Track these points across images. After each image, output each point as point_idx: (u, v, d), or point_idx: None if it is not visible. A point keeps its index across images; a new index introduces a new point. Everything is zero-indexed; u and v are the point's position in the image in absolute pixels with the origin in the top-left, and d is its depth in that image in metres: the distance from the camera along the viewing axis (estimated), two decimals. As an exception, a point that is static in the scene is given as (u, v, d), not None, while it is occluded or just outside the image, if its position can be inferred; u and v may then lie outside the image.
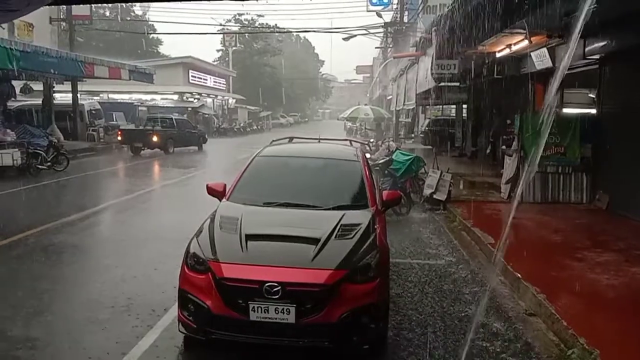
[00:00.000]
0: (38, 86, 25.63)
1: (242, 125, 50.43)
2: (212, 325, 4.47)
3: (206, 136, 30.00)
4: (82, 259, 8.09)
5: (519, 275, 6.62)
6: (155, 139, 24.22)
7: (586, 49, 10.61)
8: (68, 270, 7.45)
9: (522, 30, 10.98)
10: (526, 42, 11.41)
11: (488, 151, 18.21)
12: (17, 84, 23.95)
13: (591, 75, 11.97)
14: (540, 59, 12.15)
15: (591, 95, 14.08)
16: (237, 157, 21.24)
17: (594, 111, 12.77)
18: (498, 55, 13.46)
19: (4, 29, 21.37)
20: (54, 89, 25.51)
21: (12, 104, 24.36)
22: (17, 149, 16.05)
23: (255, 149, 6.78)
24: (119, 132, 25.44)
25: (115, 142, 25.93)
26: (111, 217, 11.51)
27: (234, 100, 58.15)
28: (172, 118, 26.91)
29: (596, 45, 10.41)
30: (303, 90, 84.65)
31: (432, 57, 14.60)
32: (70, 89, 26.37)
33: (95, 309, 5.75)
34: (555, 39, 11.05)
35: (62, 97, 28.39)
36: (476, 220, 9.89)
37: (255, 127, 52.82)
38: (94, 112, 29.06)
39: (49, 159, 17.01)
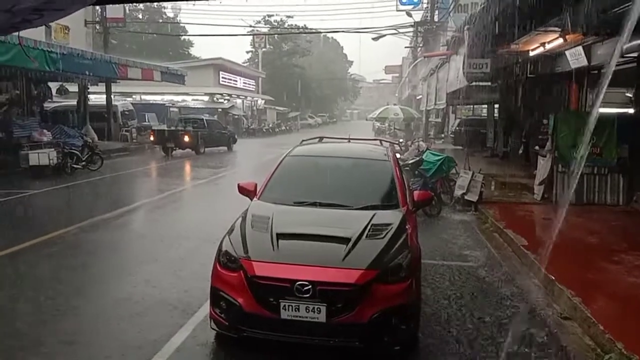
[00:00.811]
0: (73, 87, 26.21)
1: (270, 125, 50.75)
2: (244, 322, 4.50)
3: (236, 136, 30.22)
4: (116, 256, 8.25)
5: (554, 277, 6.47)
6: (186, 139, 24.46)
7: (624, 47, 10.31)
8: (102, 267, 7.61)
9: (556, 29, 10.76)
10: (561, 40, 11.17)
11: (521, 151, 17.90)
12: (53, 86, 24.53)
13: (628, 74, 11.65)
14: (575, 58, 11.88)
15: (628, 95, 13.73)
16: (267, 157, 21.37)
17: (631, 111, 12.43)
18: (531, 53, 13.23)
19: (49, 27, 21.91)
20: (88, 91, 26.05)
21: (48, 105, 24.96)
22: (53, 149, 16.46)
23: (284, 149, 6.81)
24: (151, 133, 25.75)
25: (147, 143, 26.32)
26: (144, 215, 11.71)
27: (263, 101, 58.56)
28: (203, 119, 27.10)
29: (634, 42, 10.11)
30: (331, 91, 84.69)
31: (464, 56, 14.42)
32: (104, 90, 26.92)
33: (129, 306, 5.85)
34: (592, 37, 10.79)
35: (96, 98, 29.01)
36: (509, 222, 9.72)
37: (283, 128, 53.06)
38: (127, 113, 29.60)
39: (83, 159, 17.38)
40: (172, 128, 25.70)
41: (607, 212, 10.89)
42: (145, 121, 31.26)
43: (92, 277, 7.09)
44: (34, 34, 18.22)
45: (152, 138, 25.44)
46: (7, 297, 6.17)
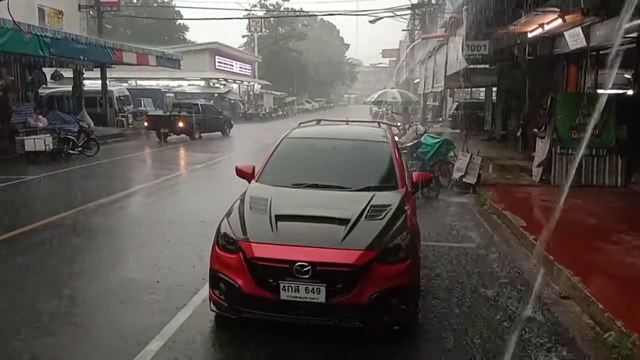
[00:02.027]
0: (68, 73, 25.98)
1: (267, 110, 50.55)
2: (243, 304, 4.50)
3: (231, 121, 29.84)
4: (115, 239, 8.23)
5: (552, 258, 6.48)
6: (181, 124, 24.15)
7: (624, 27, 10.23)
8: (102, 251, 7.59)
9: (555, 9, 10.67)
10: (560, 21, 11.09)
11: (519, 134, 17.86)
12: (48, 71, 24.33)
13: (627, 55, 11.58)
14: (574, 39, 11.80)
15: (627, 76, 13.67)
16: (264, 142, 21.28)
17: (630, 92, 12.38)
18: (530, 35, 13.13)
19: (43, 11, 21.57)
20: (83, 76, 25.85)
21: (43, 91, 24.79)
22: (49, 135, 16.36)
23: (281, 134, 6.76)
24: (146, 118, 25.45)
25: (143, 128, 26.09)
26: (142, 199, 11.67)
27: (260, 86, 58.24)
28: (197, 104, 26.75)
29: (634, 23, 10.03)
30: (328, 75, 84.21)
31: (463, 38, 14.32)
32: (99, 76, 26.71)
33: (129, 288, 5.85)
34: (591, 18, 10.70)
35: (92, 83, 28.80)
36: (507, 204, 9.72)
37: (280, 113, 52.87)
38: (122, 98, 29.41)
39: (79, 144, 17.28)
40: (167, 113, 25.43)
41: (606, 194, 10.89)
42: (141, 106, 31.09)
43: (91, 261, 7.08)
44: (27, 18, 18.06)
45: (146, 124, 25.09)
46: (8, 280, 6.15)
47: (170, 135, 24.56)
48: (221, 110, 31.72)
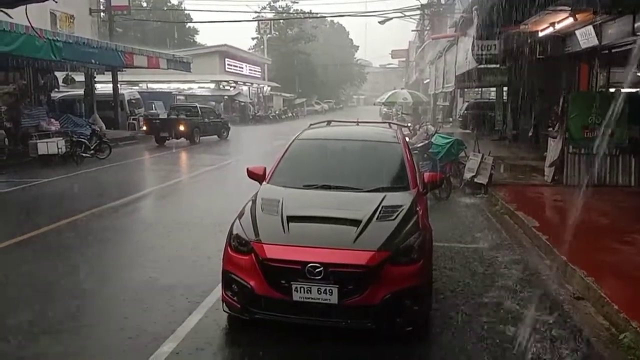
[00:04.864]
0: (80, 77, 26.16)
1: (277, 112, 50.66)
2: (256, 305, 4.51)
3: (229, 124, 28.41)
4: (127, 242, 8.29)
5: (565, 258, 6.43)
6: (181, 128, 23.45)
7: (635, 25, 10.15)
8: (114, 253, 7.66)
9: (566, 7, 10.61)
10: (571, 19, 11.03)
11: (530, 134, 17.74)
12: (60, 75, 24.52)
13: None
14: (585, 37, 11.72)
15: (640, 74, 13.52)
16: (273, 144, 21.32)
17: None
18: (541, 34, 13.06)
19: (54, 15, 21.79)
20: (95, 80, 26.00)
21: (55, 95, 24.99)
22: (61, 138, 16.55)
23: (290, 135, 6.77)
24: (145, 122, 24.70)
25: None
26: (154, 202, 11.74)
27: (269, 88, 58.38)
28: (196, 106, 26.01)
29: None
30: (338, 77, 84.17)
31: (473, 38, 14.24)
32: (110, 79, 26.89)
33: (140, 291, 5.89)
34: (602, 16, 10.62)
35: (103, 87, 28.94)
36: (519, 204, 9.66)
37: (290, 114, 52.93)
38: (133, 101, 29.52)
39: (92, 147, 17.43)
40: (165, 117, 24.81)
41: (619, 193, 10.78)
42: (152, 109, 31.16)
43: (103, 263, 7.13)
44: (39, 23, 18.23)
45: (144, 127, 24.34)
46: (22, 282, 6.21)
47: (169, 139, 23.69)
48: (219, 113, 30.24)
